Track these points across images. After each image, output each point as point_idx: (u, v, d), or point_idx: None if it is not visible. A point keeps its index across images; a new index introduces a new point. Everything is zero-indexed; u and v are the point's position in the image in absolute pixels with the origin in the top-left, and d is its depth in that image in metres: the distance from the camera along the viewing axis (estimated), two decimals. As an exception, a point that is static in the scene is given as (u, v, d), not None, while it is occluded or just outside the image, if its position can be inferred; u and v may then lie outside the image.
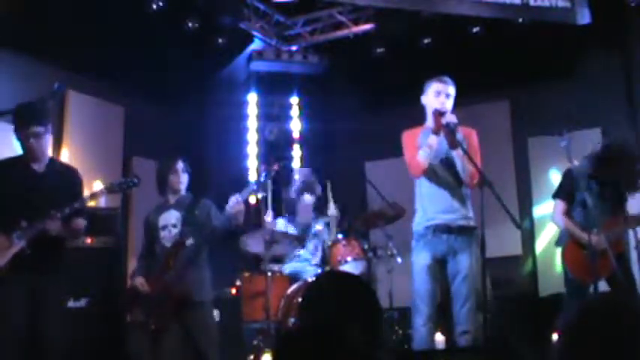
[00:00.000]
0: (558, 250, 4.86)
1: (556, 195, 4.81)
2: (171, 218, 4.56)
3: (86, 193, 4.15)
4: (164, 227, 4.55)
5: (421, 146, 4.18)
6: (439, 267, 4.20)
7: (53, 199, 3.93)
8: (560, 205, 4.74)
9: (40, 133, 3.93)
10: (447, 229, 4.16)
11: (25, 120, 3.91)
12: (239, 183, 7.93)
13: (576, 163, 4.67)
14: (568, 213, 4.69)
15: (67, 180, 4.14)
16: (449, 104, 4.21)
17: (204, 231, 4.49)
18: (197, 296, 4.43)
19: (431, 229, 4.18)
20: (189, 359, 4.41)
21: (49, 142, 4.07)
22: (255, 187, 4.72)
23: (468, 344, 4.03)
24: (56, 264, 3.97)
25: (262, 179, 4.71)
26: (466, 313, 4.08)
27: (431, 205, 4.21)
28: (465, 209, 4.23)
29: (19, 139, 3.97)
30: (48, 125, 4.00)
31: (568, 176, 4.72)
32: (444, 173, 4.21)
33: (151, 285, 4.41)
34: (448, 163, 4.21)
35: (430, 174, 4.20)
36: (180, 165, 4.60)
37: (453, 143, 4.09)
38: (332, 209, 5.96)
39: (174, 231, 4.52)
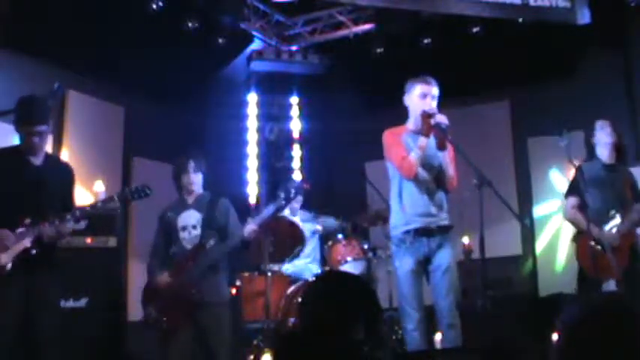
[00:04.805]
0: (558, 250, 4.85)
1: (567, 193, 4.78)
2: (191, 219, 4.55)
3: (100, 197, 4.14)
4: (184, 228, 4.53)
5: (410, 148, 4.14)
6: (422, 270, 4.16)
7: (51, 193, 3.94)
8: (572, 200, 4.69)
9: (45, 131, 3.94)
10: (426, 232, 4.12)
11: (30, 118, 3.90)
12: (239, 183, 7.98)
13: (577, 163, 4.68)
14: (581, 208, 4.60)
15: (63, 175, 4.15)
16: (434, 105, 4.17)
17: (224, 232, 4.52)
18: (213, 297, 4.43)
19: (410, 233, 4.12)
20: (199, 359, 4.42)
21: (49, 139, 4.09)
22: (277, 206, 4.69)
23: (460, 340, 4.00)
24: (52, 263, 3.96)
25: (292, 195, 4.68)
26: (449, 306, 4.06)
27: (411, 208, 4.14)
28: (443, 212, 4.19)
29: (21, 133, 3.95)
30: (50, 123, 4.02)
31: (578, 172, 4.64)
32: (425, 176, 4.15)
33: (168, 285, 4.42)
34: (431, 166, 4.17)
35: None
36: (191, 165, 4.60)
37: (443, 144, 4.05)
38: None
39: (195, 233, 4.51)
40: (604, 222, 4.43)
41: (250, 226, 4.47)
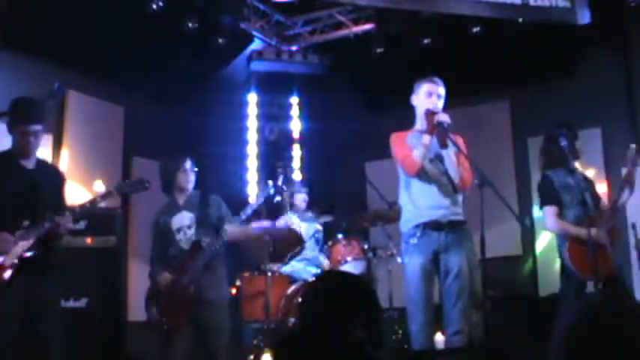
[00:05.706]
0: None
1: (544, 203, 4.65)
2: (184, 220, 4.56)
3: (99, 193, 4.14)
4: (179, 230, 4.55)
5: (413, 147, 4.14)
6: (433, 267, 4.09)
7: (46, 196, 3.94)
8: (551, 209, 4.58)
9: (40, 131, 3.94)
10: (436, 226, 4.07)
11: (25, 117, 3.90)
12: (239, 183, 7.98)
13: (577, 164, 4.68)
14: (560, 216, 4.55)
15: (55, 179, 4.15)
16: (440, 105, 4.19)
17: (219, 229, 4.52)
18: (213, 296, 4.44)
19: (420, 227, 4.08)
20: (200, 359, 4.42)
21: (43, 140, 4.08)
22: (265, 196, 4.74)
23: (463, 344, 3.98)
24: (52, 264, 3.96)
25: (280, 182, 4.72)
26: (457, 313, 4.00)
27: (422, 200, 4.11)
28: (457, 207, 4.15)
29: (15, 134, 3.93)
30: (45, 123, 4.01)
31: (547, 181, 4.62)
32: (433, 172, 4.14)
33: (169, 285, 4.42)
34: (438, 162, 4.17)
35: (420, 173, 4.13)
36: (189, 164, 4.61)
37: (444, 142, 4.05)
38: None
39: (190, 233, 4.52)
40: (582, 226, 4.41)
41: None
